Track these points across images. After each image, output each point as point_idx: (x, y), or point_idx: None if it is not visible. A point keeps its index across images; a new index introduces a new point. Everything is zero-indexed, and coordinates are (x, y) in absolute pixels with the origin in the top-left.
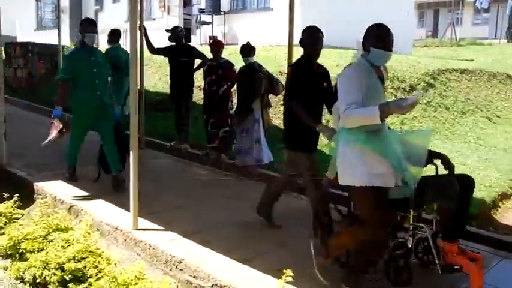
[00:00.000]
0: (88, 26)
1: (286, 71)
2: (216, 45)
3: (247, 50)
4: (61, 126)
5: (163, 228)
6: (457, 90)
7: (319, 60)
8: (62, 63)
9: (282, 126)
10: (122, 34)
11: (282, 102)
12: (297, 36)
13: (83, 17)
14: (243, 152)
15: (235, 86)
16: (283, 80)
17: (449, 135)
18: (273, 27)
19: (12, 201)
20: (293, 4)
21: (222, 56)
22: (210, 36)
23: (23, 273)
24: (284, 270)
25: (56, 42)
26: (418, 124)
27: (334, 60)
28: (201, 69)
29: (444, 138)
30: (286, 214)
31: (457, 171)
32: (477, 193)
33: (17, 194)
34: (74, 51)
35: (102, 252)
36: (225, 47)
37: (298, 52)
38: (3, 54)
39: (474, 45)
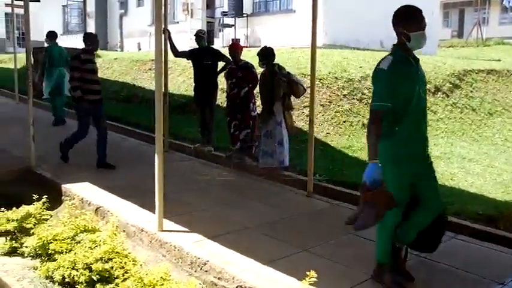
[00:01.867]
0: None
1: (309, 73)
2: (234, 48)
3: (263, 55)
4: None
5: (187, 229)
6: (483, 91)
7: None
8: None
9: (305, 128)
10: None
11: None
12: (320, 38)
13: (108, 21)
14: (266, 154)
15: (258, 88)
16: (307, 82)
17: (476, 137)
18: (296, 29)
19: (41, 202)
20: (316, 6)
21: (245, 58)
22: (232, 39)
23: (52, 273)
24: (308, 273)
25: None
26: (444, 126)
27: (358, 62)
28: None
29: (471, 140)
30: (313, 216)
31: (485, 173)
32: (505, 196)
33: (46, 196)
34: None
35: (129, 253)
36: (248, 49)
37: (322, 54)
38: (32, 59)
39: (501, 45)
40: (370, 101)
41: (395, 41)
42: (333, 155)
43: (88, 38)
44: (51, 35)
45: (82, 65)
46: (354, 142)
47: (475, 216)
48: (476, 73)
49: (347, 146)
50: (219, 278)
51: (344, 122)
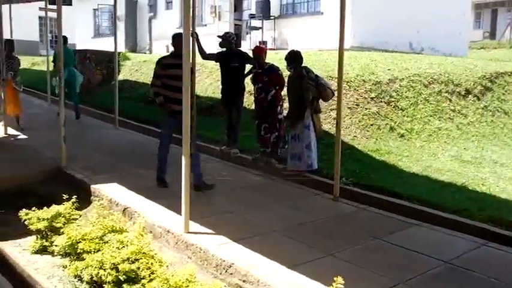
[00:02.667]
0: None
1: (336, 76)
2: (258, 51)
3: (290, 59)
4: None
5: (213, 232)
6: None
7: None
8: None
9: (331, 131)
10: None
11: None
12: (348, 40)
13: (137, 25)
14: (294, 157)
15: (286, 90)
16: (334, 85)
17: (508, 141)
18: (323, 32)
19: (70, 202)
20: (344, 8)
21: (272, 61)
22: (259, 42)
23: (81, 272)
24: (335, 278)
25: (112, 49)
26: (474, 129)
27: (387, 65)
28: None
29: (502, 144)
30: (339, 220)
31: None
32: None
33: (75, 196)
34: None
35: (155, 254)
36: (275, 51)
37: (350, 57)
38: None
39: None
40: (398, 104)
41: (425, 42)
42: (360, 159)
43: (173, 39)
44: (63, 40)
45: (164, 71)
46: (381, 145)
47: (506, 223)
48: (509, 75)
49: (374, 149)
50: (244, 281)
51: (371, 125)
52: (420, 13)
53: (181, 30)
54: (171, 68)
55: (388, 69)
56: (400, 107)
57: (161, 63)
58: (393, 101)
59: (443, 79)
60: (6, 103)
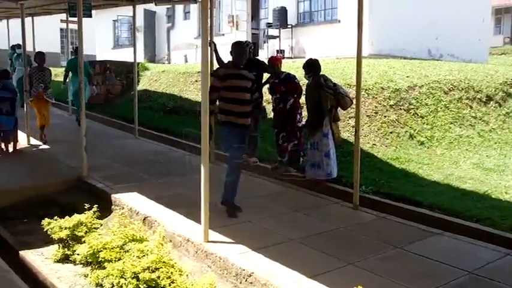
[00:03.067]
0: None
1: (354, 84)
2: (273, 61)
3: (308, 68)
4: None
5: (233, 241)
6: None
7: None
8: None
9: (350, 139)
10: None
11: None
12: (366, 48)
13: (156, 35)
14: (313, 166)
15: (304, 98)
16: (352, 92)
17: None
18: (341, 40)
19: (92, 211)
20: (361, 16)
21: (290, 70)
22: (277, 50)
23: (102, 280)
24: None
25: (131, 60)
26: (497, 136)
27: (405, 72)
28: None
29: None
30: (359, 228)
31: None
32: None
33: (96, 205)
34: None
35: (175, 263)
36: (293, 60)
37: (368, 64)
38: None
39: None
40: (417, 111)
41: (444, 49)
42: (380, 167)
43: (233, 47)
44: (76, 51)
45: (221, 82)
46: (401, 153)
47: None
48: None
49: (394, 157)
50: None
51: (391, 132)
52: (439, 19)
53: (199, 40)
54: (231, 79)
55: (407, 76)
56: (419, 114)
57: (218, 73)
58: (413, 109)
59: (463, 86)
60: (37, 115)
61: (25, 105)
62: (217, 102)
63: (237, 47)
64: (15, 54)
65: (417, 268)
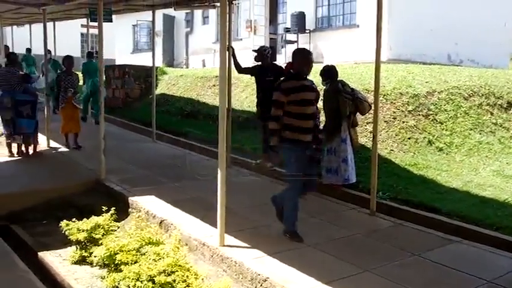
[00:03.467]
0: None
1: (372, 89)
2: (289, 68)
3: (325, 74)
4: None
5: (248, 245)
6: None
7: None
8: None
9: (368, 145)
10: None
11: (368, 121)
12: (384, 53)
13: (175, 40)
14: (330, 171)
15: (322, 103)
16: (370, 98)
17: None
18: (359, 44)
19: (109, 214)
20: (380, 20)
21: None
22: None
23: (118, 283)
24: None
25: (150, 64)
26: None
27: (424, 77)
28: None
29: None
30: (376, 235)
31: None
32: None
33: (114, 208)
34: None
35: (191, 267)
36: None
37: (386, 70)
38: (103, 77)
39: None
40: (436, 117)
41: (464, 54)
42: (397, 173)
43: (294, 56)
44: (89, 54)
45: (286, 97)
46: (419, 159)
47: None
48: None
49: (412, 163)
50: None
51: (409, 138)
52: (459, 24)
53: (217, 45)
54: (296, 92)
55: (426, 82)
56: (438, 120)
57: (282, 88)
58: (431, 114)
59: (483, 91)
60: (64, 121)
61: (45, 108)
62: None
63: (299, 55)
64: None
65: (435, 276)
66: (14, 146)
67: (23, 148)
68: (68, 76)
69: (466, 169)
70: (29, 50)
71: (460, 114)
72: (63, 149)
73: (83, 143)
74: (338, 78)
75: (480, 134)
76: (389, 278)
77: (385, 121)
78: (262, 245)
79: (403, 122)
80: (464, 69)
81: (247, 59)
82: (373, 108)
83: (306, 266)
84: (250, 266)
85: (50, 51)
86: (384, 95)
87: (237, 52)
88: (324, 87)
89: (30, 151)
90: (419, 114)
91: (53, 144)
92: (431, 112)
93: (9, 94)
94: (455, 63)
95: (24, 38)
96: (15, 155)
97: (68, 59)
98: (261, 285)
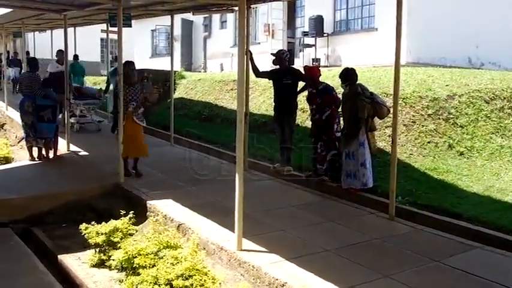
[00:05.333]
0: None
1: (391, 92)
2: (309, 72)
3: (344, 77)
4: None
5: (266, 250)
6: None
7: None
8: None
9: (386, 149)
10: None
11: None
12: (404, 56)
13: (193, 44)
14: (349, 176)
15: (341, 108)
16: (389, 101)
17: None
18: (378, 48)
19: (127, 217)
20: (400, 23)
21: (324, 79)
22: (313, 59)
23: (136, 286)
24: None
25: (168, 68)
26: None
27: (444, 81)
28: (305, 92)
29: None
30: (395, 240)
31: None
32: None
33: (132, 211)
34: None
35: (208, 271)
36: (328, 69)
37: (405, 73)
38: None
39: None
40: (457, 121)
41: (485, 57)
42: (417, 177)
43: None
44: (75, 57)
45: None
46: (439, 164)
47: None
48: None
49: (432, 167)
50: None
51: (428, 142)
52: (479, 27)
53: (235, 49)
54: None
55: (446, 85)
56: (459, 124)
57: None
58: (452, 118)
59: (506, 95)
60: (125, 143)
61: (65, 112)
62: None
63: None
64: (112, 68)
65: (456, 283)
66: (35, 150)
67: (44, 152)
68: (130, 86)
69: (487, 174)
70: (76, 57)
71: (481, 117)
72: (84, 152)
73: (101, 147)
74: (357, 82)
75: (502, 138)
76: (410, 285)
77: (404, 125)
78: (279, 249)
79: (423, 125)
80: (486, 72)
81: (265, 63)
82: (392, 111)
83: (325, 271)
84: (268, 271)
85: (77, 56)
86: (403, 99)
87: (255, 56)
88: (343, 90)
89: (51, 155)
90: (439, 118)
91: (73, 147)
92: (451, 116)
93: (30, 99)
94: (476, 66)
95: (44, 43)
96: (36, 159)
97: (130, 65)
98: None
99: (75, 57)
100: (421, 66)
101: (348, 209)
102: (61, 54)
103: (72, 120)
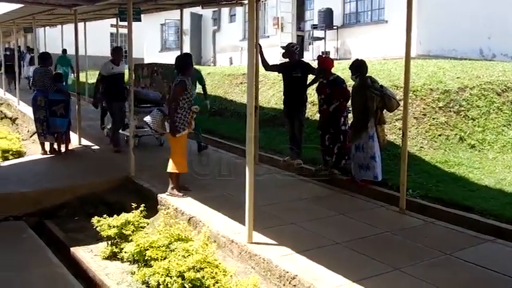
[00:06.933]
0: None
1: (401, 85)
2: (323, 63)
3: (355, 68)
4: None
5: (276, 243)
6: None
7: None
8: None
9: (397, 142)
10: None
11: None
12: (414, 48)
13: (202, 38)
14: (360, 168)
15: (350, 101)
16: (399, 94)
17: None
18: (388, 40)
19: (139, 210)
20: (410, 15)
21: (335, 71)
22: (322, 52)
23: (148, 278)
24: None
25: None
26: None
27: (456, 73)
28: (314, 85)
29: None
30: (406, 233)
31: None
32: None
33: (143, 204)
34: None
35: (219, 263)
36: (338, 61)
37: (416, 65)
38: (133, 75)
39: None
40: (468, 113)
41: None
42: (427, 170)
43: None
44: (63, 51)
45: None
46: (450, 157)
47: None
48: None
49: (442, 160)
50: None
51: (439, 135)
52: (491, 18)
53: (244, 43)
54: None
55: (457, 78)
56: (470, 116)
57: None
58: (463, 111)
59: None
60: (181, 156)
61: (77, 106)
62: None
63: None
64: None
65: (468, 276)
66: (47, 144)
67: (56, 146)
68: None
69: (499, 167)
70: (64, 51)
71: (493, 110)
72: (95, 146)
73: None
74: (367, 74)
75: None
76: (420, 278)
77: (414, 117)
78: (290, 242)
79: (434, 118)
80: (498, 64)
81: (274, 56)
82: (402, 104)
83: (335, 264)
84: (278, 264)
85: (65, 50)
86: (414, 91)
87: (264, 49)
88: (353, 82)
89: (63, 149)
90: (450, 111)
91: (84, 141)
92: (462, 108)
93: (42, 94)
94: (488, 58)
95: (55, 38)
96: (48, 153)
97: (187, 58)
98: (290, 283)
99: (64, 51)
100: (432, 58)
101: (358, 202)
102: (117, 52)
103: (125, 132)
